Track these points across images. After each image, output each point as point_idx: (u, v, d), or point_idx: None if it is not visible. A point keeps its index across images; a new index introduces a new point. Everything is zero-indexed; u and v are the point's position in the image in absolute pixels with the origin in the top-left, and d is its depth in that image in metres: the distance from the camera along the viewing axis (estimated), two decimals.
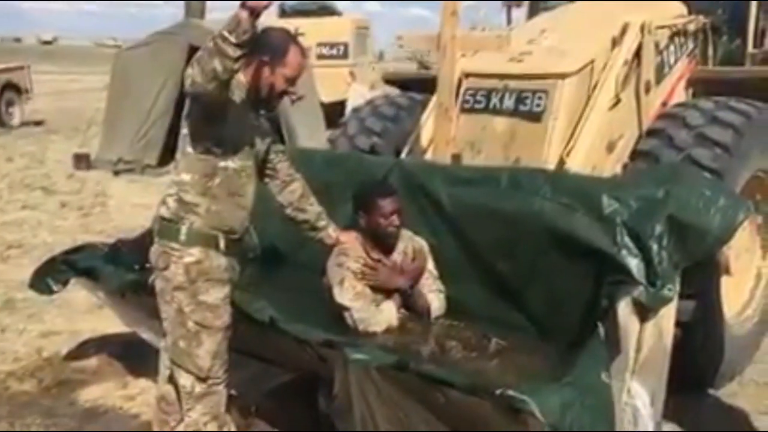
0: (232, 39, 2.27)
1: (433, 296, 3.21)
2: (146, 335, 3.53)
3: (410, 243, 3.27)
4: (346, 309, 3.07)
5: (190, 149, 2.65)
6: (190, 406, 2.71)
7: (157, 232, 2.72)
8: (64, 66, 36.44)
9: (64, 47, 69.30)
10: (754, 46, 5.01)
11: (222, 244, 2.70)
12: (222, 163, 2.65)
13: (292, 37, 2.77)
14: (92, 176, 9.97)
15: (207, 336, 2.66)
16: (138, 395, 3.69)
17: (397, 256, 3.21)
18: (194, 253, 2.64)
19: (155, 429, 3.05)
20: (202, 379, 2.68)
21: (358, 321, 3.04)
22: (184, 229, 2.65)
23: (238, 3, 2.30)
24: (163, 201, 2.72)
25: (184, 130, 2.67)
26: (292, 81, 2.73)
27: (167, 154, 10.43)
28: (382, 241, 3.16)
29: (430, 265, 3.28)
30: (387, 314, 3.08)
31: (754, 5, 4.98)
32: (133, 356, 3.90)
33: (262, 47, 2.64)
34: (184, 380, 2.70)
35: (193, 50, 9.90)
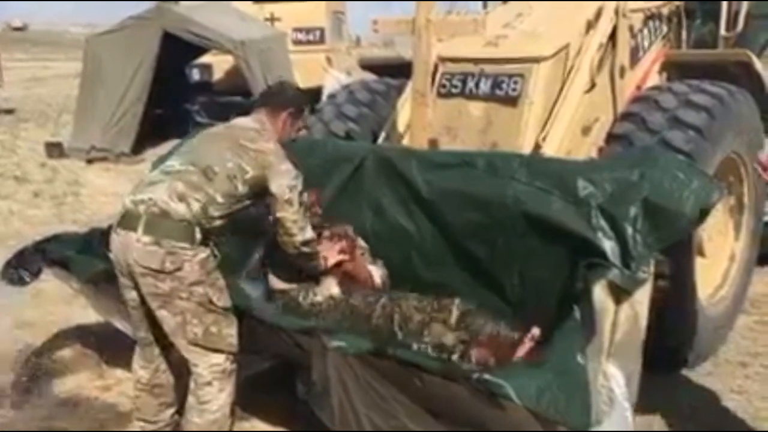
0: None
1: (373, 268, 3.35)
2: (120, 325, 3.49)
3: (334, 229, 3.43)
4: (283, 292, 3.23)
5: (236, 189, 2.83)
6: (222, 387, 2.79)
7: (158, 232, 2.66)
8: (35, 53, 35.78)
9: (35, 33, 67.94)
10: (727, 30, 5.04)
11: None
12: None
13: (305, 94, 3.29)
14: (65, 165, 9.80)
15: (232, 316, 2.83)
16: (114, 385, 3.67)
17: (325, 241, 3.33)
18: (204, 249, 2.74)
19: (143, 416, 3.05)
20: (233, 355, 2.81)
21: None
22: (198, 230, 2.71)
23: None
24: (180, 198, 2.70)
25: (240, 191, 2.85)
26: (301, 130, 3.28)
27: (141, 142, 10.33)
28: None
29: (361, 242, 3.43)
30: (325, 285, 3.22)
31: None
32: (108, 346, 3.86)
33: (287, 101, 3.11)
34: (218, 360, 2.77)
35: (167, 36, 9.89)
